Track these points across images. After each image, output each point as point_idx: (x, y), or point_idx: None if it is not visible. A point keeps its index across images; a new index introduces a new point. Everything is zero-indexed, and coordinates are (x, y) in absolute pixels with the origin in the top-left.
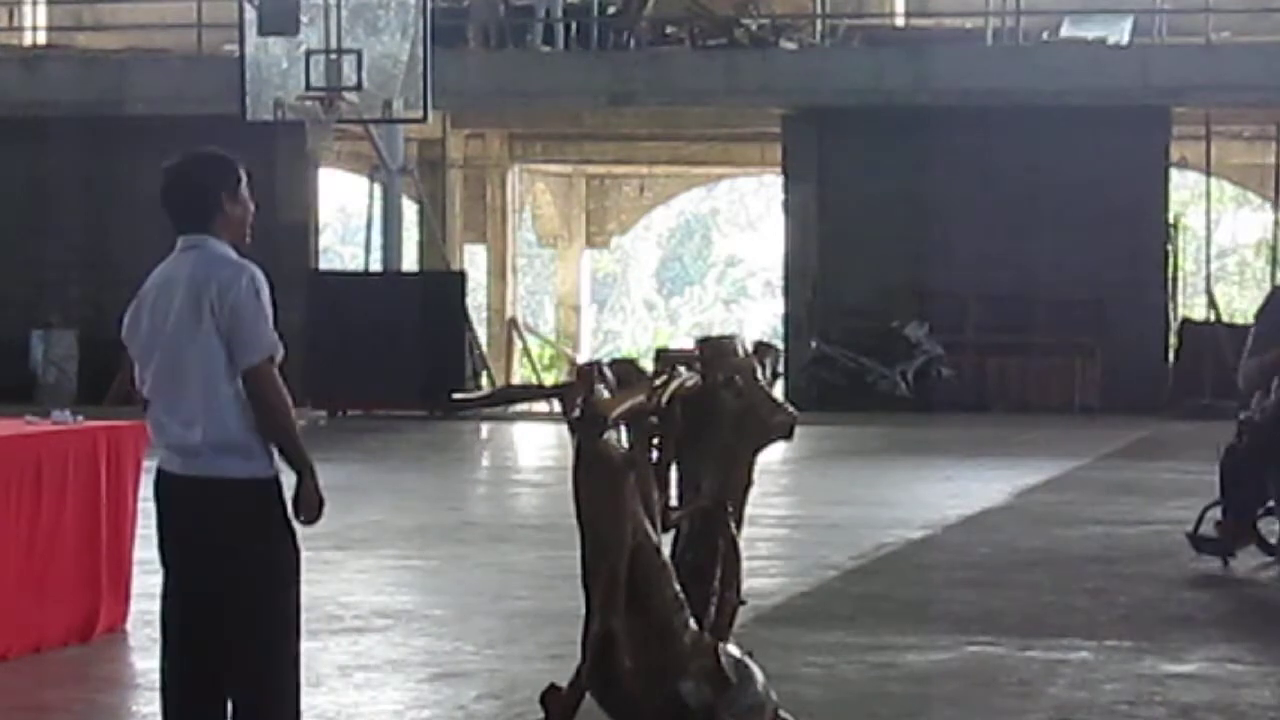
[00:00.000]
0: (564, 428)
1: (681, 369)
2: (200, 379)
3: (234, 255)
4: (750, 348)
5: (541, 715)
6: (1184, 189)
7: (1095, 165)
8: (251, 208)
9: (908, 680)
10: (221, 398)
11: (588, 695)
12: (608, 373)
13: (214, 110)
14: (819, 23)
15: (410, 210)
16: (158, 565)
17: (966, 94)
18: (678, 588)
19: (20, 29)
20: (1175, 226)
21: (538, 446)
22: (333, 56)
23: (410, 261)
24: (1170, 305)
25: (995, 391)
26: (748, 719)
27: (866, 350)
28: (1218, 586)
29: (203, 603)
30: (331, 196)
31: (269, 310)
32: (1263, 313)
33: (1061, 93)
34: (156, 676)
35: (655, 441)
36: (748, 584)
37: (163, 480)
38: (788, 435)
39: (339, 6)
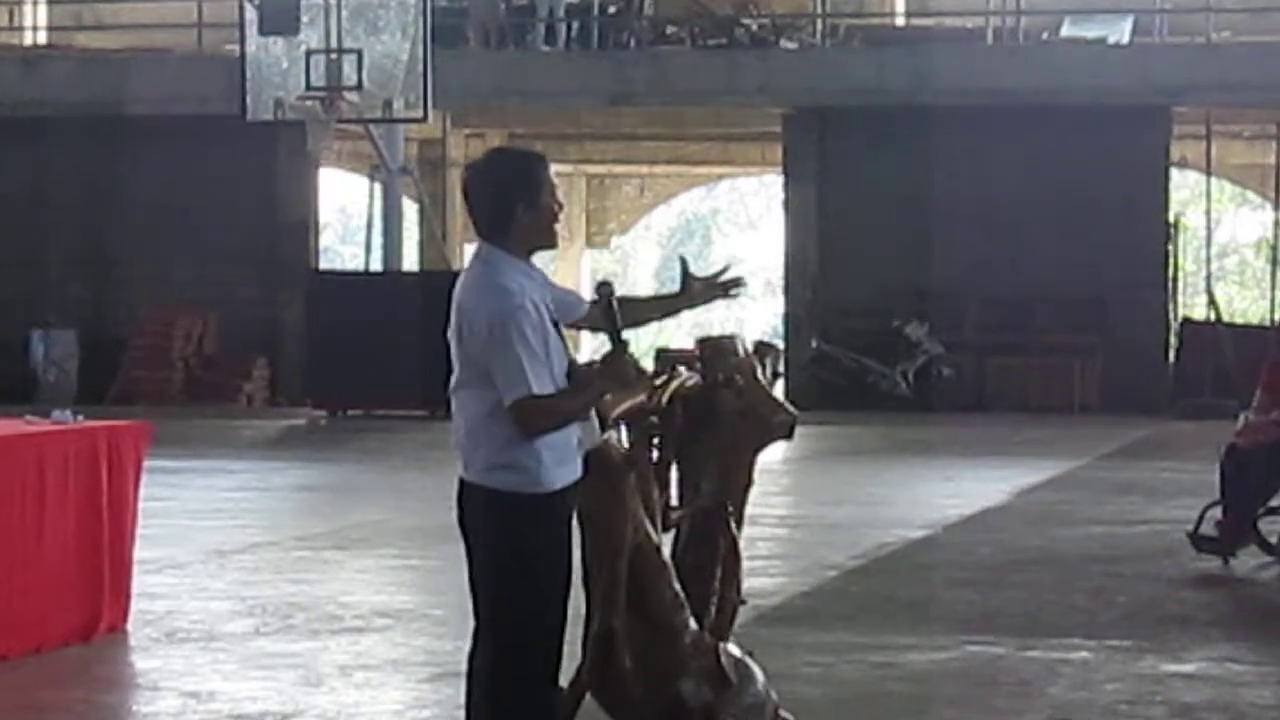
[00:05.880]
0: None
1: (682, 368)
2: (469, 397)
3: (505, 280)
4: (750, 347)
5: None
6: (1184, 188)
7: (1095, 165)
8: (555, 208)
9: (908, 680)
10: (480, 420)
11: (588, 695)
12: None
13: (214, 110)
14: (819, 22)
15: (410, 210)
16: (158, 565)
17: (967, 94)
18: (678, 587)
19: (20, 29)
20: (1175, 226)
21: None
22: (333, 56)
23: (410, 261)
24: (1170, 305)
25: (995, 391)
26: (748, 718)
27: (867, 350)
28: (1218, 586)
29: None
30: (332, 196)
31: (525, 343)
32: None
33: (1062, 92)
34: (157, 676)
35: (655, 441)
36: (748, 584)
37: (460, 482)
38: (788, 435)
39: (339, 6)
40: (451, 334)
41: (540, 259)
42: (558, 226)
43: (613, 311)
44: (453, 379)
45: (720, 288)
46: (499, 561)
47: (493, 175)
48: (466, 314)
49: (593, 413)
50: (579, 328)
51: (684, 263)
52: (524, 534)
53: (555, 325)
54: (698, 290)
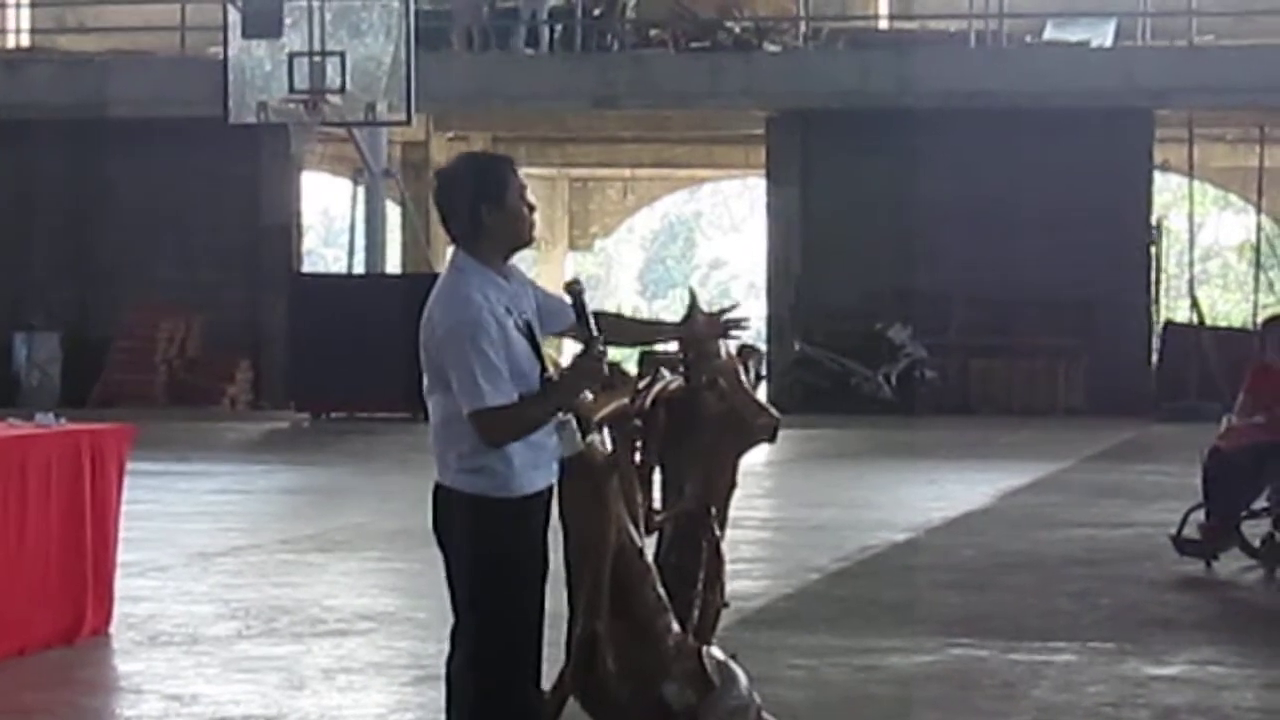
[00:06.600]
0: None
1: (665, 371)
2: (437, 402)
3: (470, 290)
4: (733, 350)
5: None
6: (1167, 191)
7: (1078, 168)
8: (525, 209)
9: (891, 682)
10: (448, 424)
11: (571, 698)
12: None
13: (197, 113)
14: (802, 25)
15: (393, 213)
16: (141, 568)
17: (950, 96)
18: (661, 590)
19: (3, 31)
20: (1158, 229)
21: None
22: (316, 59)
23: (393, 264)
24: (1154, 308)
25: (979, 394)
26: None
27: (850, 352)
28: (1201, 589)
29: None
30: (315, 199)
31: (480, 354)
32: None
33: (1045, 95)
34: (140, 680)
35: (638, 444)
36: (731, 586)
37: (435, 485)
38: (771, 438)
39: (322, 9)
40: (420, 340)
41: (524, 264)
42: (534, 227)
43: (583, 308)
44: (424, 383)
45: (723, 327)
46: (472, 565)
47: (457, 180)
48: (431, 322)
49: (573, 420)
50: (563, 335)
51: (693, 295)
52: (495, 538)
53: (531, 334)
54: (700, 326)
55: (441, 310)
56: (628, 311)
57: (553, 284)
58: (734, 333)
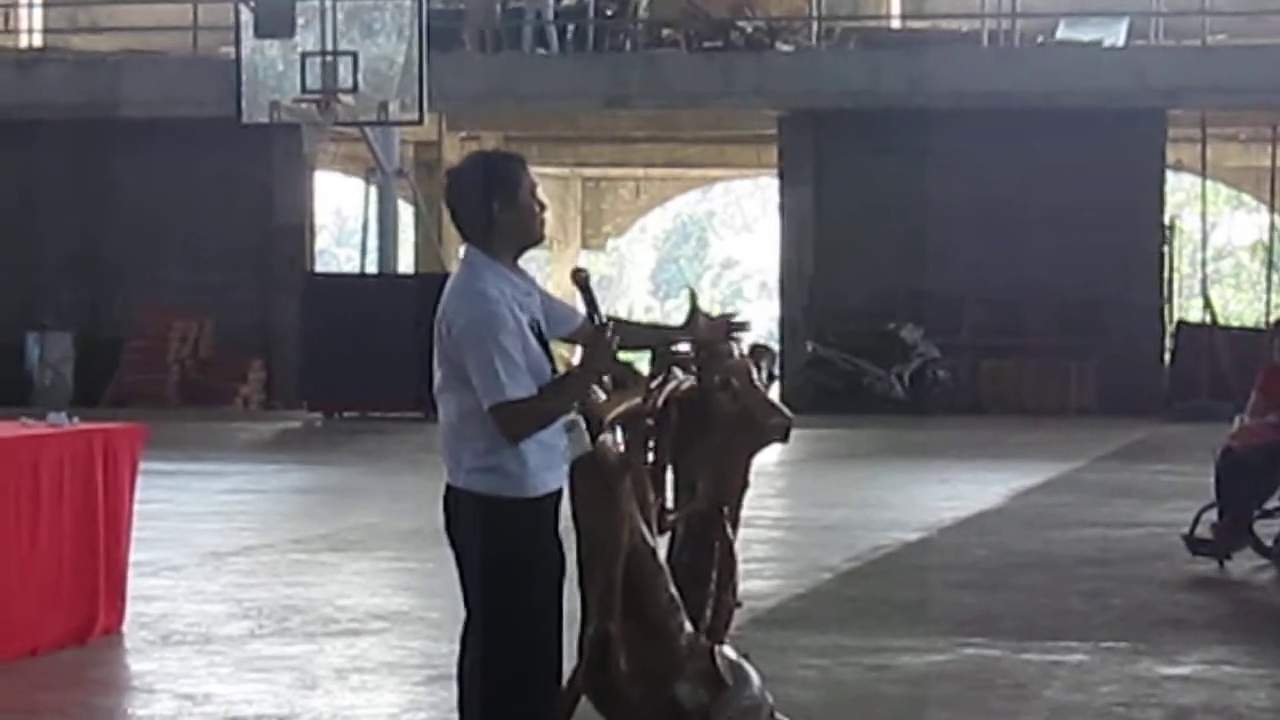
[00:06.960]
0: None
1: (677, 371)
2: (450, 399)
3: (485, 285)
4: (746, 350)
5: None
6: (1179, 191)
7: (1091, 168)
8: (536, 206)
9: (903, 682)
10: (462, 423)
11: (584, 698)
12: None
13: (209, 113)
14: (815, 25)
15: (406, 212)
16: (154, 568)
17: (962, 96)
18: (673, 590)
19: (15, 31)
20: (1171, 229)
21: None
22: (328, 59)
23: (406, 263)
24: (1166, 307)
25: (991, 394)
26: None
27: (862, 352)
28: (1213, 589)
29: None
30: (327, 199)
31: (500, 348)
32: None
33: (1057, 95)
34: (152, 679)
35: (651, 444)
36: (743, 586)
37: (446, 487)
38: (784, 438)
39: (335, 9)
40: (435, 336)
41: (536, 263)
42: (545, 225)
43: (591, 294)
44: (435, 382)
45: (725, 329)
46: (485, 567)
47: (469, 178)
48: (447, 317)
49: (582, 423)
50: (571, 342)
51: (693, 296)
52: (509, 538)
53: (540, 337)
54: (702, 329)
55: (457, 306)
56: (640, 312)
57: (565, 283)
58: (736, 334)
